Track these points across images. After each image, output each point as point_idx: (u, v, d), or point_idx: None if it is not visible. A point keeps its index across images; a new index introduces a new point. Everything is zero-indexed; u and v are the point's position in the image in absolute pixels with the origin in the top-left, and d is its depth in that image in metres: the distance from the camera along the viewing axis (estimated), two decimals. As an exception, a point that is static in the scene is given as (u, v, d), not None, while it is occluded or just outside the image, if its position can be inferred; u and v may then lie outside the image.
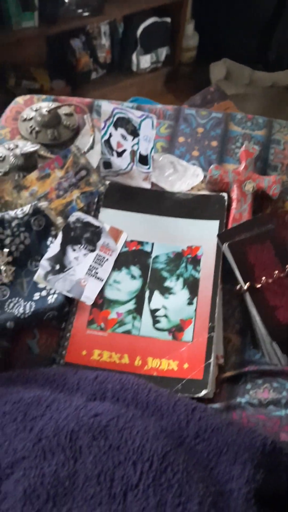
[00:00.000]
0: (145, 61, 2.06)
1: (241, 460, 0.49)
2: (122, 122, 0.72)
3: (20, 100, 0.88)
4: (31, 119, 0.81)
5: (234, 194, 0.73)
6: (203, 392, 0.59)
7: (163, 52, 2.08)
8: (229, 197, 0.74)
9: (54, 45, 1.81)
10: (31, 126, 0.80)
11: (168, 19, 2.00)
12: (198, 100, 1.40)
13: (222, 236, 0.69)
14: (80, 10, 1.69)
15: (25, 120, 0.81)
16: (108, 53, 1.97)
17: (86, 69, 1.93)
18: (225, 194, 0.74)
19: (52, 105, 0.81)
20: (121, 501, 0.45)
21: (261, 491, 0.47)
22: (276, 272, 0.66)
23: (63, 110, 0.82)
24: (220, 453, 0.50)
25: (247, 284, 0.65)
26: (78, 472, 0.47)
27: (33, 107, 0.83)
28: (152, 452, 0.47)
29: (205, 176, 0.77)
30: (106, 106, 0.71)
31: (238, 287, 0.66)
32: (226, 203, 0.73)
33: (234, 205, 0.73)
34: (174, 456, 0.47)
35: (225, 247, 0.68)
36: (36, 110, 0.81)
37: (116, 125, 0.72)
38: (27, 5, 1.50)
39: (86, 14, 1.71)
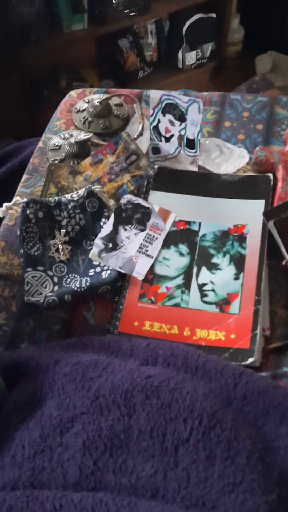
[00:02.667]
0: (190, 57, 2.08)
1: (287, 421, 0.51)
2: (170, 108, 0.75)
3: (73, 93, 0.94)
4: (84, 110, 0.86)
5: (280, 174, 0.75)
6: (250, 360, 0.61)
7: (208, 47, 2.09)
8: (275, 177, 0.76)
9: (103, 46, 1.88)
10: (84, 117, 0.85)
11: (214, 15, 2.01)
12: (244, 90, 1.41)
13: (268, 214, 0.71)
14: (127, 10, 1.74)
15: (78, 111, 0.87)
16: (154, 51, 2.01)
17: (133, 68, 1.98)
18: (270, 175, 0.76)
19: (103, 96, 0.86)
20: (173, 454, 0.48)
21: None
22: None
23: (114, 101, 0.87)
24: (267, 414, 0.52)
25: (292, 259, 0.67)
26: (132, 427, 0.50)
27: (85, 99, 0.88)
28: (201, 410, 0.49)
29: (250, 158, 0.79)
30: (155, 94, 0.75)
31: (284, 262, 0.68)
32: (271, 183, 0.75)
33: (279, 184, 0.74)
34: (222, 414, 0.49)
35: (270, 224, 0.70)
36: (88, 102, 0.87)
37: (164, 111, 0.76)
38: (78, 8, 1.57)
39: (133, 13, 1.76)
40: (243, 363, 0.61)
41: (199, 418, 0.49)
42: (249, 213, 0.73)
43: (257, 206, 0.73)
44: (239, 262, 0.70)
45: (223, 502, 0.45)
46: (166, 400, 0.51)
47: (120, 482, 0.48)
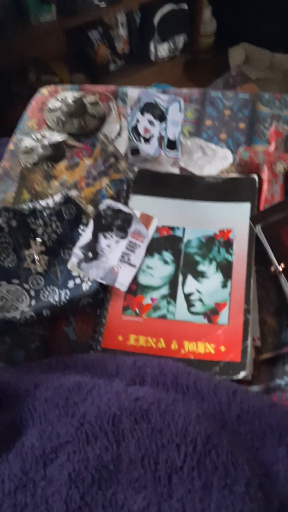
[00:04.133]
0: (163, 49, 2.04)
1: (285, 441, 0.48)
2: (149, 107, 0.71)
3: (44, 90, 0.88)
4: (57, 109, 0.81)
5: (265, 175, 0.72)
6: (242, 374, 0.59)
7: (180, 39, 2.05)
8: (260, 179, 0.73)
9: (72, 39, 1.81)
10: (57, 116, 0.80)
11: (185, 6, 1.97)
12: (221, 84, 1.38)
13: (255, 218, 0.68)
14: (97, 1, 1.68)
15: (51, 110, 0.81)
16: (126, 44, 1.96)
17: (104, 61, 1.92)
18: (255, 176, 0.73)
19: (77, 94, 0.81)
20: (166, 483, 0.45)
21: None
22: (312, 252, 0.64)
23: (88, 99, 0.82)
24: (264, 435, 0.49)
25: (282, 265, 0.64)
26: (122, 455, 0.47)
27: (58, 97, 0.83)
28: (195, 434, 0.47)
29: (234, 159, 0.75)
30: (132, 92, 0.71)
31: (272, 268, 0.65)
32: (257, 184, 0.72)
33: (265, 186, 0.72)
34: (217, 438, 0.47)
35: (258, 229, 0.67)
36: (61, 100, 0.81)
37: (143, 110, 0.72)
38: (45, -2, 1.51)
39: (103, 5, 1.70)
40: (235, 377, 0.59)
41: (193, 443, 0.46)
42: (234, 217, 0.70)
43: (242, 210, 0.70)
44: (226, 269, 0.67)
45: (222, 534, 0.42)
46: (157, 425, 0.48)
47: (111, 516, 0.45)
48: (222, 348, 0.62)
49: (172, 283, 0.67)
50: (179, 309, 0.65)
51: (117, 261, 0.67)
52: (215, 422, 0.49)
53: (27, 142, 0.77)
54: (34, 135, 0.78)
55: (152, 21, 1.94)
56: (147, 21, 1.95)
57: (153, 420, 0.48)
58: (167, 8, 1.93)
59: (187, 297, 0.66)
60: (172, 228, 0.70)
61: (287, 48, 2.06)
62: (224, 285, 0.66)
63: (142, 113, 0.72)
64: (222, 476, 0.45)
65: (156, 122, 0.72)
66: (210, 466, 0.45)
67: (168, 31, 2.00)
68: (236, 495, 0.44)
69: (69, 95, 0.82)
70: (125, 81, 1.95)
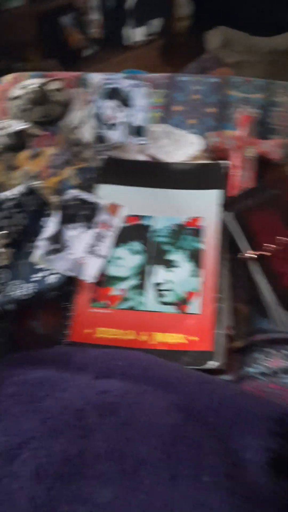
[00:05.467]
0: (138, 33, 2.00)
1: (255, 429, 0.48)
2: (113, 93, 0.69)
3: (7, 78, 0.85)
4: (19, 97, 0.78)
5: (235, 161, 0.71)
6: (213, 363, 0.58)
7: (156, 23, 2.02)
8: (230, 165, 0.72)
9: (44, 24, 1.77)
10: (20, 105, 0.77)
11: (160, -12, 1.94)
12: (194, 69, 1.36)
13: (225, 205, 0.67)
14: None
15: (13, 98, 0.79)
16: (100, 28, 1.92)
17: (78, 46, 1.88)
18: (225, 162, 0.72)
19: (41, 81, 0.79)
20: (133, 476, 0.44)
21: (278, 460, 0.46)
22: (283, 238, 0.64)
23: (53, 86, 0.79)
24: (233, 424, 0.49)
25: (253, 252, 0.63)
26: (87, 449, 0.46)
27: (21, 85, 0.80)
28: (162, 426, 0.46)
29: (204, 144, 0.74)
30: (95, 78, 0.69)
31: (243, 255, 0.64)
32: (227, 170, 0.71)
33: (235, 172, 0.70)
34: (185, 429, 0.46)
35: (228, 216, 0.66)
36: (24, 88, 0.79)
37: (107, 96, 0.70)
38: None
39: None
40: (206, 366, 0.58)
41: (160, 435, 0.46)
42: (204, 204, 0.69)
43: (212, 197, 0.69)
44: (196, 257, 0.66)
45: (189, 526, 0.42)
46: (124, 418, 0.47)
47: (77, 511, 0.44)
48: (194, 338, 0.61)
49: (142, 274, 0.65)
50: (149, 300, 0.64)
51: (84, 252, 0.66)
52: (183, 413, 0.49)
53: (-11, 131, 0.75)
54: (-4, 124, 0.75)
55: (125, 4, 1.91)
56: (121, 4, 1.91)
57: (120, 413, 0.47)
58: (141, -9, 1.90)
59: (157, 287, 0.65)
60: (141, 217, 0.69)
61: (265, 31, 2.04)
62: (195, 274, 0.65)
63: (106, 99, 0.70)
64: (189, 466, 0.44)
65: (121, 108, 0.70)
66: (177, 457, 0.44)
67: (144, 14, 1.97)
68: (203, 484, 0.43)
69: (33, 82, 0.79)
70: (100, 66, 1.91)
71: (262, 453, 0.45)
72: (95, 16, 1.85)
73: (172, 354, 0.59)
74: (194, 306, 0.63)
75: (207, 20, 2.01)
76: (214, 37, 1.98)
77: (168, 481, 0.44)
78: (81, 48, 1.88)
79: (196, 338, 0.60)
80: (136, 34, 1.98)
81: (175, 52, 2.10)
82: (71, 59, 1.87)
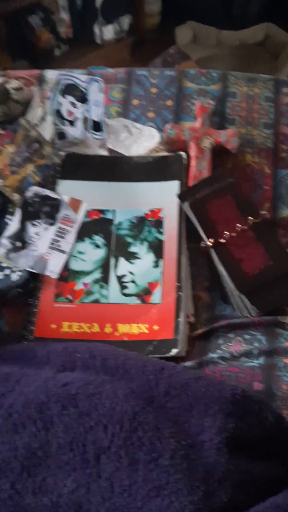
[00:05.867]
0: (108, 31, 2.00)
1: (211, 411, 0.49)
2: (70, 89, 0.70)
3: None
4: (-22, 97, 0.78)
5: (192, 152, 0.72)
6: (174, 351, 0.59)
7: (126, 20, 2.02)
8: (188, 156, 0.73)
9: (12, 24, 1.76)
10: (-21, 104, 0.78)
11: (127, -15, 1.94)
12: (159, 63, 1.36)
13: (182, 195, 0.68)
14: (32, -16, 1.63)
15: (-28, 99, 0.79)
16: (69, 27, 1.91)
17: (48, 46, 1.87)
18: (183, 153, 0.73)
19: (0, 80, 0.79)
20: (95, 464, 0.46)
21: (233, 439, 0.47)
22: (239, 225, 0.65)
23: (12, 85, 0.79)
24: (191, 408, 0.50)
25: (211, 240, 0.65)
26: (50, 441, 0.47)
27: (-21, 85, 0.80)
28: (122, 414, 0.47)
29: (161, 137, 0.75)
30: (51, 74, 0.69)
31: (202, 244, 0.66)
32: (185, 162, 0.72)
33: (193, 163, 0.71)
34: (144, 415, 0.47)
35: (185, 206, 0.67)
36: (-17, 88, 0.79)
37: (64, 93, 0.70)
38: (-24, -17, 1.45)
39: (39, -13, 1.66)
40: (168, 354, 0.59)
41: (119, 422, 0.47)
42: (164, 196, 0.70)
43: (171, 188, 0.70)
44: (157, 248, 0.67)
45: (148, 508, 0.44)
46: (85, 408, 0.48)
47: (41, 502, 0.46)
48: (155, 327, 0.62)
49: (104, 267, 0.66)
50: (112, 292, 0.65)
51: (46, 248, 0.66)
52: (142, 400, 0.50)
53: None
54: None
55: (94, 2, 1.90)
56: (89, 3, 1.90)
57: (80, 404, 0.48)
58: (109, -12, 1.89)
59: (119, 279, 0.66)
60: (102, 211, 0.70)
61: (233, 25, 2.05)
62: (156, 265, 0.66)
63: (63, 96, 0.70)
64: (148, 451, 0.45)
65: (79, 104, 0.71)
66: (136, 443, 0.46)
67: (112, 12, 1.96)
68: (161, 467, 0.44)
69: (-9, 81, 0.79)
70: (71, 65, 1.90)
71: (217, 434, 0.47)
72: (64, 15, 1.83)
73: (136, 345, 0.61)
74: (156, 296, 0.64)
75: (176, 16, 2.02)
76: (183, 33, 1.98)
77: (128, 466, 0.45)
78: (51, 48, 1.87)
79: (158, 328, 0.62)
80: (106, 32, 1.98)
81: (145, 49, 2.10)
82: (41, 59, 1.85)
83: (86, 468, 0.46)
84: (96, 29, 1.97)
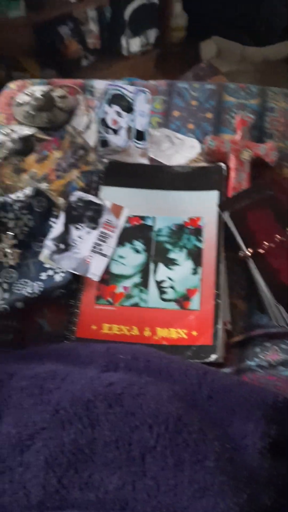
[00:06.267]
0: (134, 44, 2.04)
1: (254, 417, 0.50)
2: (116, 99, 0.72)
3: (12, 85, 0.88)
4: (25, 103, 0.81)
5: (232, 163, 0.74)
6: (213, 357, 0.60)
7: (152, 33, 2.06)
8: (227, 167, 0.75)
9: (42, 34, 1.80)
10: (26, 111, 0.80)
11: (156, 0, 1.97)
12: (190, 77, 1.39)
13: (222, 205, 0.70)
14: (66, -4, 1.67)
15: (19, 104, 0.81)
16: (97, 39, 1.95)
17: (76, 56, 1.91)
18: (223, 164, 0.75)
19: (46, 88, 0.81)
20: (140, 463, 0.47)
21: (275, 445, 0.48)
22: (277, 236, 0.66)
23: (57, 93, 0.82)
24: (233, 412, 0.51)
25: (250, 250, 0.66)
26: (96, 439, 0.48)
27: (26, 92, 0.83)
28: (167, 415, 0.48)
29: (202, 148, 0.77)
30: (99, 84, 0.72)
31: (241, 253, 0.67)
32: (224, 173, 0.74)
33: (232, 174, 0.73)
34: (188, 417, 0.48)
35: (225, 215, 0.69)
36: (29, 94, 0.82)
37: (110, 102, 0.73)
38: (13, -7, 1.49)
39: (73, 0, 1.70)
40: (207, 360, 0.60)
41: (165, 423, 0.48)
42: (203, 205, 0.72)
43: (211, 197, 0.72)
44: (196, 256, 0.68)
45: (194, 508, 0.44)
46: (130, 408, 0.49)
47: (87, 498, 0.47)
48: (194, 333, 0.63)
49: (144, 272, 0.68)
50: (151, 297, 0.66)
51: (89, 251, 0.68)
52: (186, 402, 0.51)
53: (-4, 136, 0.77)
54: (2, 129, 0.78)
55: (123, 15, 1.94)
56: (118, 15, 1.95)
57: (126, 403, 0.49)
58: (137, 2, 1.93)
59: (159, 284, 0.67)
60: (143, 218, 0.72)
61: (257, 41, 2.08)
62: (195, 272, 0.67)
63: (109, 105, 0.73)
64: (193, 452, 0.46)
65: (124, 114, 0.73)
66: (182, 444, 0.46)
67: (139, 25, 2.00)
68: (207, 469, 0.45)
69: (38, 89, 0.82)
70: (97, 76, 1.93)
71: (260, 439, 0.48)
72: (92, 27, 1.88)
73: (174, 349, 0.62)
74: (195, 303, 0.65)
75: (201, 30, 2.05)
76: (208, 47, 2.02)
77: (174, 467, 0.46)
78: (79, 58, 1.91)
79: (197, 333, 0.63)
80: (132, 44, 2.02)
81: (170, 62, 2.13)
82: (68, 69, 1.89)
83: (131, 466, 0.47)
84: (123, 41, 2.01)
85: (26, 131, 0.73)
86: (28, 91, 0.83)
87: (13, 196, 0.68)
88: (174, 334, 0.63)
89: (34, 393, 0.52)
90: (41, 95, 0.80)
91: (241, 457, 0.48)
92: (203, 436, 0.47)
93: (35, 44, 1.82)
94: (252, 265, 0.66)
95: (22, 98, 0.82)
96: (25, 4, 1.57)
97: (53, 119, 0.80)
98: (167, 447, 0.47)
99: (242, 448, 0.49)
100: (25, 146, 0.74)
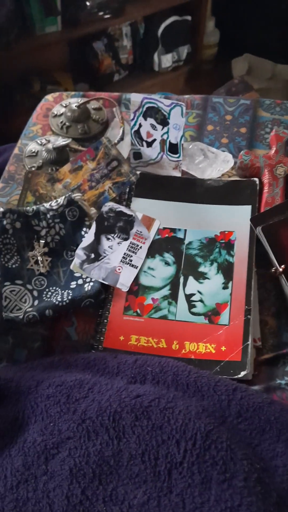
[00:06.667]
0: (166, 60, 2.06)
1: (284, 437, 0.49)
2: (152, 112, 0.73)
3: (49, 97, 0.90)
4: (61, 114, 0.83)
5: (266, 179, 0.73)
6: (242, 373, 0.59)
7: (184, 50, 2.08)
8: (261, 182, 0.74)
9: (77, 49, 1.84)
10: (61, 122, 0.82)
11: (189, 17, 2.00)
12: (223, 93, 1.40)
13: (255, 220, 0.69)
14: (101, 13, 1.72)
15: (55, 116, 0.83)
16: (130, 54, 1.99)
17: (108, 71, 1.95)
18: (256, 179, 0.74)
19: (81, 100, 0.83)
20: (166, 478, 0.46)
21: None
22: (312, 253, 0.65)
23: (92, 105, 0.84)
24: (263, 431, 0.50)
25: (282, 266, 0.65)
26: (122, 451, 0.47)
27: (62, 103, 0.85)
28: (195, 431, 0.47)
29: (235, 162, 0.77)
30: (136, 97, 0.72)
31: (273, 270, 0.66)
32: (257, 187, 0.73)
33: (266, 189, 0.73)
34: (217, 434, 0.47)
35: (258, 230, 0.68)
36: (65, 106, 0.83)
37: (145, 115, 0.73)
38: (51, 10, 1.54)
39: (107, 16, 1.74)
40: (236, 376, 0.59)
41: (192, 439, 0.47)
42: (236, 219, 0.71)
43: (243, 212, 0.71)
44: (227, 270, 0.67)
45: (221, 528, 0.43)
46: (157, 421, 0.48)
47: (111, 511, 0.46)
48: (223, 348, 0.62)
49: (173, 284, 0.68)
50: (180, 310, 0.66)
51: (119, 262, 0.68)
52: (215, 419, 0.50)
53: (32, 146, 0.79)
54: (38, 139, 0.79)
55: (156, 32, 1.98)
56: (151, 32, 1.98)
57: (153, 417, 0.49)
58: (170, 19, 1.96)
59: (188, 298, 0.66)
60: (174, 230, 0.72)
61: (288, 59, 2.08)
62: (225, 286, 0.67)
63: (144, 118, 0.73)
64: (221, 470, 0.45)
65: (158, 127, 0.74)
66: (209, 461, 0.46)
67: (172, 42, 2.03)
68: (235, 488, 0.44)
69: (73, 101, 0.83)
70: (128, 90, 1.96)
71: (291, 460, 0.46)
72: (126, 43, 1.91)
73: (203, 364, 0.61)
74: (224, 318, 0.64)
75: (233, 48, 2.07)
76: (239, 65, 2.03)
77: (201, 484, 0.45)
78: (111, 73, 1.95)
79: (226, 349, 0.62)
80: (164, 60, 2.05)
81: (201, 79, 2.16)
82: (101, 84, 1.93)
83: (157, 481, 0.46)
84: (156, 57, 2.04)
85: (61, 141, 0.74)
86: (64, 102, 0.85)
87: (46, 205, 0.69)
88: (203, 348, 0.62)
89: (61, 401, 0.52)
90: (77, 107, 0.81)
91: (270, 478, 0.46)
92: (231, 454, 0.46)
93: (69, 59, 1.87)
94: (283, 281, 0.65)
95: (58, 109, 0.84)
96: (62, 20, 1.61)
97: (88, 131, 0.81)
98: (194, 464, 0.46)
99: (271, 469, 0.47)
100: (60, 156, 0.75)
